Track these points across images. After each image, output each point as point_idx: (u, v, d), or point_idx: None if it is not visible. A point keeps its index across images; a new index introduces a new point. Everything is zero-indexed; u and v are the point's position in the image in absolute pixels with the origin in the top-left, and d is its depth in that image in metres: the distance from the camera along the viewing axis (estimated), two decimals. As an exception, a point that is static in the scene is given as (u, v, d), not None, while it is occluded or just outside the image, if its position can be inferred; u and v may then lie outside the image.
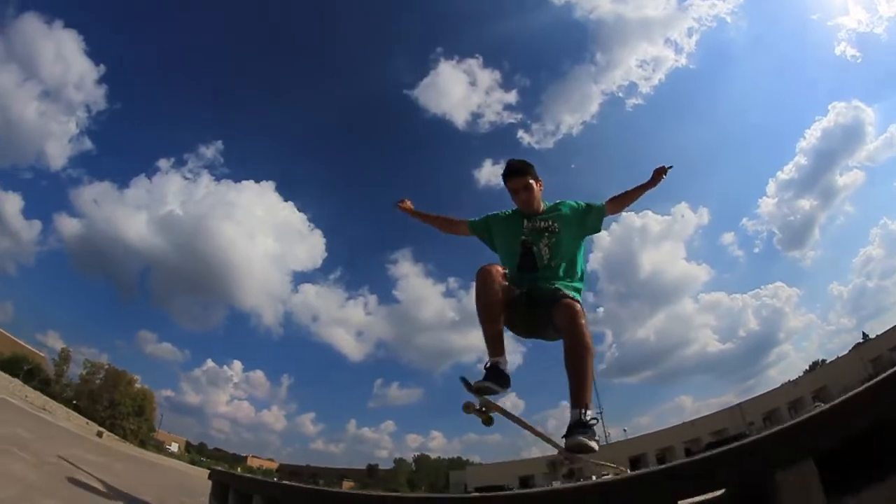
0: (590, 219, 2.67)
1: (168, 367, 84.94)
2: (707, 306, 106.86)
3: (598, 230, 2.74)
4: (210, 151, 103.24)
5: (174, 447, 52.00)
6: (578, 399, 2.07)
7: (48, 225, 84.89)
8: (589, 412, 2.06)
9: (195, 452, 55.70)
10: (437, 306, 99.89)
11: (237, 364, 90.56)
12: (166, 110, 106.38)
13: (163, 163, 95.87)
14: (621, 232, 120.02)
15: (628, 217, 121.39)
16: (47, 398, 31.63)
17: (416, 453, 63.89)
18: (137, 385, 45.64)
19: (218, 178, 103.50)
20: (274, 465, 65.11)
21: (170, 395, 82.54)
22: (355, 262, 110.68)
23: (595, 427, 2.05)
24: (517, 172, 2.62)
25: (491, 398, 2.37)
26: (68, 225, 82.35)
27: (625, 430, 48.73)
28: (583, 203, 2.69)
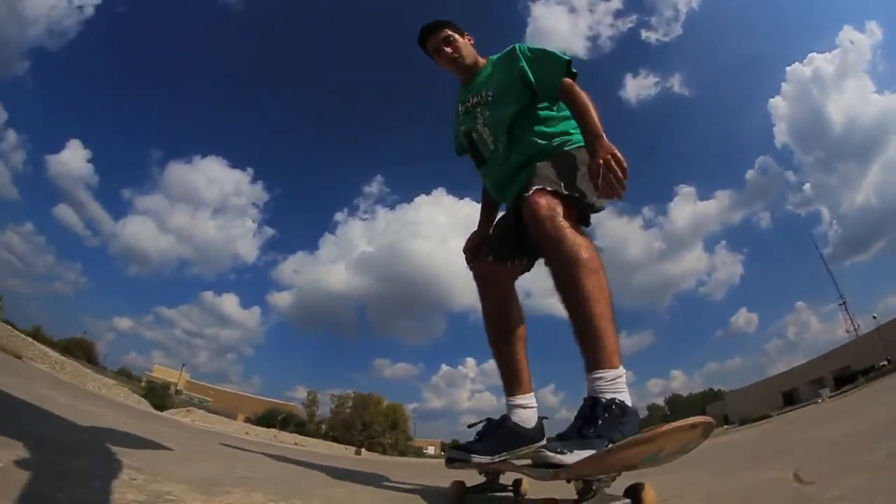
0: (541, 70, 1.69)
1: (409, 383, 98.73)
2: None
3: (552, 96, 1.69)
4: (374, 187, 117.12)
5: (430, 450, 53.89)
6: (591, 355, 1.22)
7: (265, 306, 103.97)
8: (609, 378, 1.18)
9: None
10: (640, 241, 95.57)
11: (470, 360, 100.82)
12: (320, 173, 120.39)
13: (339, 216, 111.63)
14: (794, 90, 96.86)
15: (794, 71, 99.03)
16: (301, 437, 32.88)
17: (666, 395, 56.95)
18: (385, 403, 46.87)
19: (392, 206, 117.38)
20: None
21: (416, 406, 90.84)
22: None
23: (625, 416, 1.13)
24: (430, 30, 1.88)
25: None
26: (280, 299, 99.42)
27: (874, 318, 37.42)
28: (536, 49, 1.74)
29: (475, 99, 1.79)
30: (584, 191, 1.44)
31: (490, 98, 1.74)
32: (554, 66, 1.65)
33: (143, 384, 36.51)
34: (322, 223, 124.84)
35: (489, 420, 1.55)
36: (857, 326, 42.34)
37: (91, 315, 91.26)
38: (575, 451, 1.01)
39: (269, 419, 39.69)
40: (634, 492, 1.06)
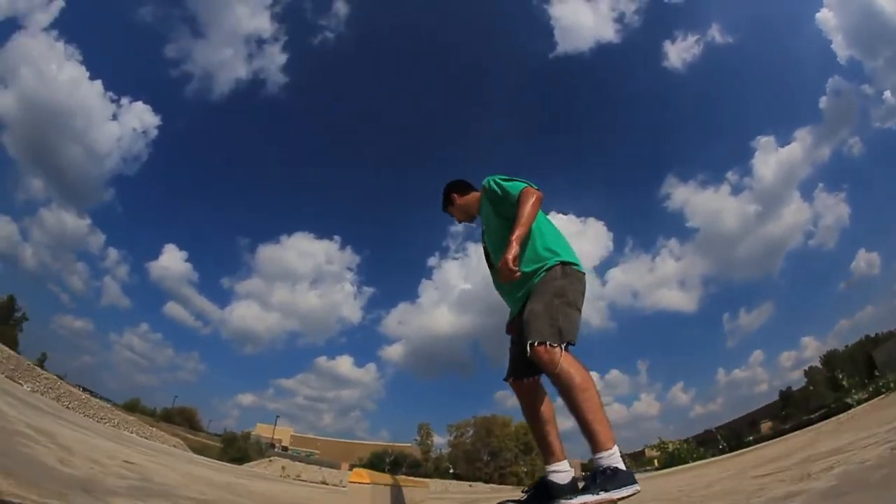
0: (501, 205, 2.39)
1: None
2: None
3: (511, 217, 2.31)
4: (460, 226, 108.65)
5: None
6: (593, 445, 1.85)
7: (379, 361, 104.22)
8: (606, 456, 1.80)
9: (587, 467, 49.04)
10: (733, 209, 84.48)
11: (593, 374, 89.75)
12: (403, 224, 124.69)
13: (432, 261, 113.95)
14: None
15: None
16: (405, 477, 28.06)
17: (821, 355, 45.18)
18: (514, 424, 40.27)
19: (479, 240, 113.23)
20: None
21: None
22: (634, 222, 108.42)
23: (616, 476, 1.76)
24: (444, 208, 2.84)
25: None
26: (393, 352, 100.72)
27: None
28: (500, 187, 2.39)
29: (481, 228, 2.63)
30: (563, 330, 1.99)
31: (485, 228, 2.55)
32: (512, 191, 2.27)
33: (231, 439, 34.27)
34: (417, 271, 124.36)
35: (540, 480, 2.16)
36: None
37: (217, 396, 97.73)
38: (579, 496, 1.73)
39: (376, 463, 35.47)
40: None
